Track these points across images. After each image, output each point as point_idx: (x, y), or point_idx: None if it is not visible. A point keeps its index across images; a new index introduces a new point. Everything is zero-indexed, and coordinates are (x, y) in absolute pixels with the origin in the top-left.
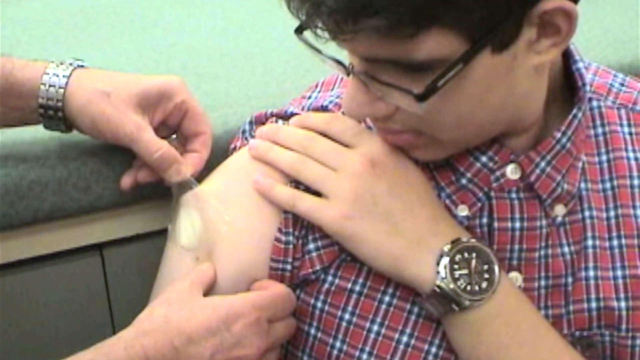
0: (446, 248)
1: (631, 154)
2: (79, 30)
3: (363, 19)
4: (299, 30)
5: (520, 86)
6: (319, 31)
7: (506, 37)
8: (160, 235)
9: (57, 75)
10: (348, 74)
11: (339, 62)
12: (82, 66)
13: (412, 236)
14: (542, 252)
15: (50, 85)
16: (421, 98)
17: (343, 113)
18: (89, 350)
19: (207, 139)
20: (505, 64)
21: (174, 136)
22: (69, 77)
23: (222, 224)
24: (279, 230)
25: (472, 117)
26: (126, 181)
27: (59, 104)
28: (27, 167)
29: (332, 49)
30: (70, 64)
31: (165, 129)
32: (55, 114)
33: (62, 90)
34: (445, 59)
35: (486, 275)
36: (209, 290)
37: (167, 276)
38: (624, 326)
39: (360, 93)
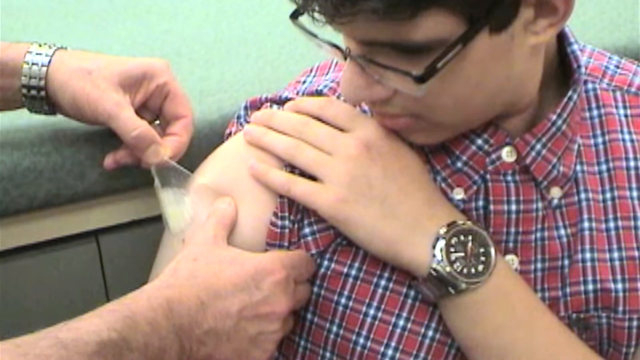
0: (442, 231)
1: (627, 136)
2: (73, 17)
3: (361, 1)
4: (294, 15)
5: (517, 67)
6: (316, 15)
7: (504, 17)
8: (156, 222)
9: (40, 54)
10: (345, 58)
11: (335, 46)
12: (65, 49)
13: (408, 219)
14: (538, 235)
15: (33, 64)
16: (421, 80)
17: (338, 97)
18: (112, 302)
19: (188, 122)
20: (503, 45)
21: (157, 122)
22: (51, 56)
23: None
24: (275, 214)
25: (470, 99)
26: (108, 160)
27: (42, 82)
28: (22, 154)
29: (328, 33)
30: (54, 45)
31: (146, 113)
32: (38, 94)
33: (44, 69)
34: (443, 41)
35: (482, 258)
36: (232, 230)
37: (160, 260)
38: (620, 308)
39: (357, 77)
